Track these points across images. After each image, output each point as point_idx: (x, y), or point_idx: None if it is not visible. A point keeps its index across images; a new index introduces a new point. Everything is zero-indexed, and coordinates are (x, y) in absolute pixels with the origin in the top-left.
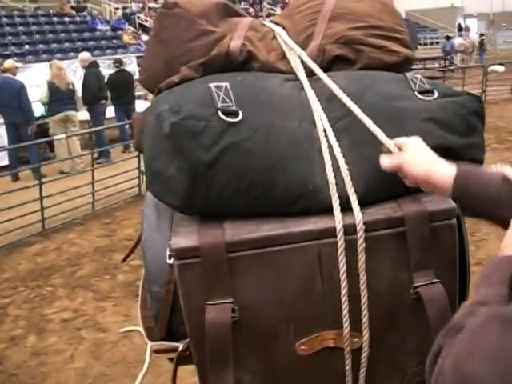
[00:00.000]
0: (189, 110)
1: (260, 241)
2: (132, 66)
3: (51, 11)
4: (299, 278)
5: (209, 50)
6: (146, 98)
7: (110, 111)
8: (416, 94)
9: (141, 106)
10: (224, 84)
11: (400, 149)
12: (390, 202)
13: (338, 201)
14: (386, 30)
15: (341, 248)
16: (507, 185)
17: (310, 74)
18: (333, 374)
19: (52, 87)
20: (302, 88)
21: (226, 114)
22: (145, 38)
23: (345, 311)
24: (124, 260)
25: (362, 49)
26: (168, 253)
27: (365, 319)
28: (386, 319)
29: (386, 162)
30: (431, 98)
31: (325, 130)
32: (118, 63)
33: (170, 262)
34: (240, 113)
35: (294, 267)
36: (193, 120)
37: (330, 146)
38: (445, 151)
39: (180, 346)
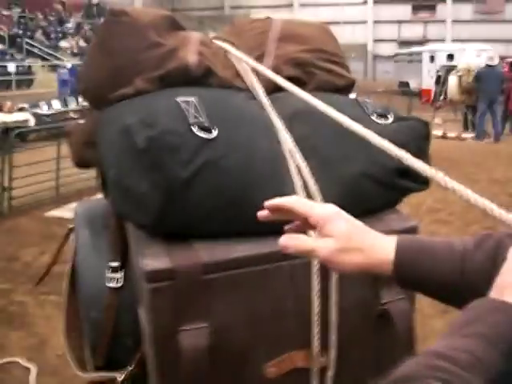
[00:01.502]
0: (164, 125)
1: (235, 262)
2: None
3: None
4: (272, 299)
5: (160, 62)
6: (0, 109)
7: None
8: (372, 117)
9: None
10: (192, 99)
11: (320, 227)
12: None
13: None
14: (331, 55)
15: (315, 268)
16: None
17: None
18: None
19: None
20: (263, 107)
21: (200, 130)
22: None
23: (315, 331)
24: (39, 282)
25: (313, 71)
26: (108, 275)
27: (333, 338)
28: (352, 336)
29: (294, 244)
30: (387, 122)
31: (290, 150)
32: None
33: (110, 285)
34: (214, 129)
35: (267, 288)
36: (170, 135)
37: (297, 167)
38: (402, 174)
39: (119, 376)
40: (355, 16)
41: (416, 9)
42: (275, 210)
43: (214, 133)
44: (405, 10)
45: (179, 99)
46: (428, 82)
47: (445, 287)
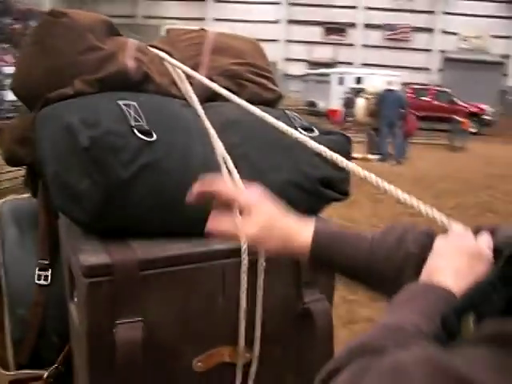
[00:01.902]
0: (107, 126)
1: (170, 259)
2: None
3: None
4: (203, 296)
5: (99, 65)
6: None
7: None
8: (299, 129)
9: None
10: (132, 103)
11: (245, 211)
12: None
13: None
14: (261, 69)
15: (244, 267)
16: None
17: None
18: None
19: None
20: (197, 114)
21: (141, 132)
22: None
23: (242, 327)
24: None
25: (244, 84)
26: (37, 273)
27: (257, 335)
28: (275, 334)
29: (220, 229)
30: (313, 134)
31: (223, 157)
32: None
33: (39, 282)
34: (154, 133)
35: (199, 285)
36: (112, 136)
37: (229, 172)
38: (325, 183)
39: (45, 373)
40: (267, 34)
41: (328, 31)
42: (202, 193)
43: (154, 136)
44: (316, 32)
45: (120, 102)
46: (336, 104)
47: (356, 269)
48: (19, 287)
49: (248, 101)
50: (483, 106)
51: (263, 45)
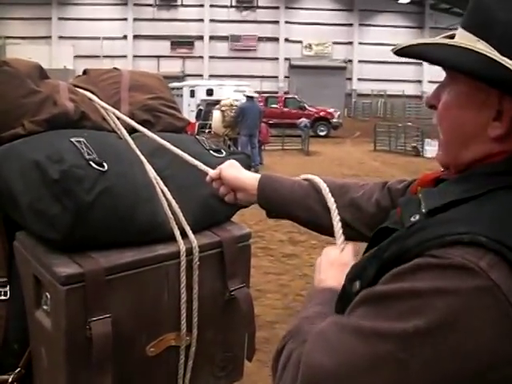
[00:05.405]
0: (71, 160)
1: (127, 265)
2: None
3: None
4: (152, 293)
5: (40, 107)
6: None
7: None
8: (211, 152)
9: None
10: (81, 139)
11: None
12: (206, 231)
13: (178, 232)
14: (169, 101)
15: (183, 267)
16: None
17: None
18: (170, 369)
19: None
20: (128, 144)
21: (95, 164)
22: None
23: (183, 316)
24: None
25: (160, 115)
26: None
27: (195, 321)
28: (207, 319)
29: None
30: (222, 155)
31: (156, 179)
32: None
33: (2, 298)
34: (105, 163)
35: (149, 284)
36: (76, 168)
37: (162, 191)
38: None
39: (8, 377)
40: (115, 50)
41: (174, 44)
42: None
43: (106, 166)
44: (164, 46)
45: (73, 139)
46: (189, 116)
47: (295, 203)
48: None
49: (164, 130)
50: (331, 110)
51: (111, 61)
